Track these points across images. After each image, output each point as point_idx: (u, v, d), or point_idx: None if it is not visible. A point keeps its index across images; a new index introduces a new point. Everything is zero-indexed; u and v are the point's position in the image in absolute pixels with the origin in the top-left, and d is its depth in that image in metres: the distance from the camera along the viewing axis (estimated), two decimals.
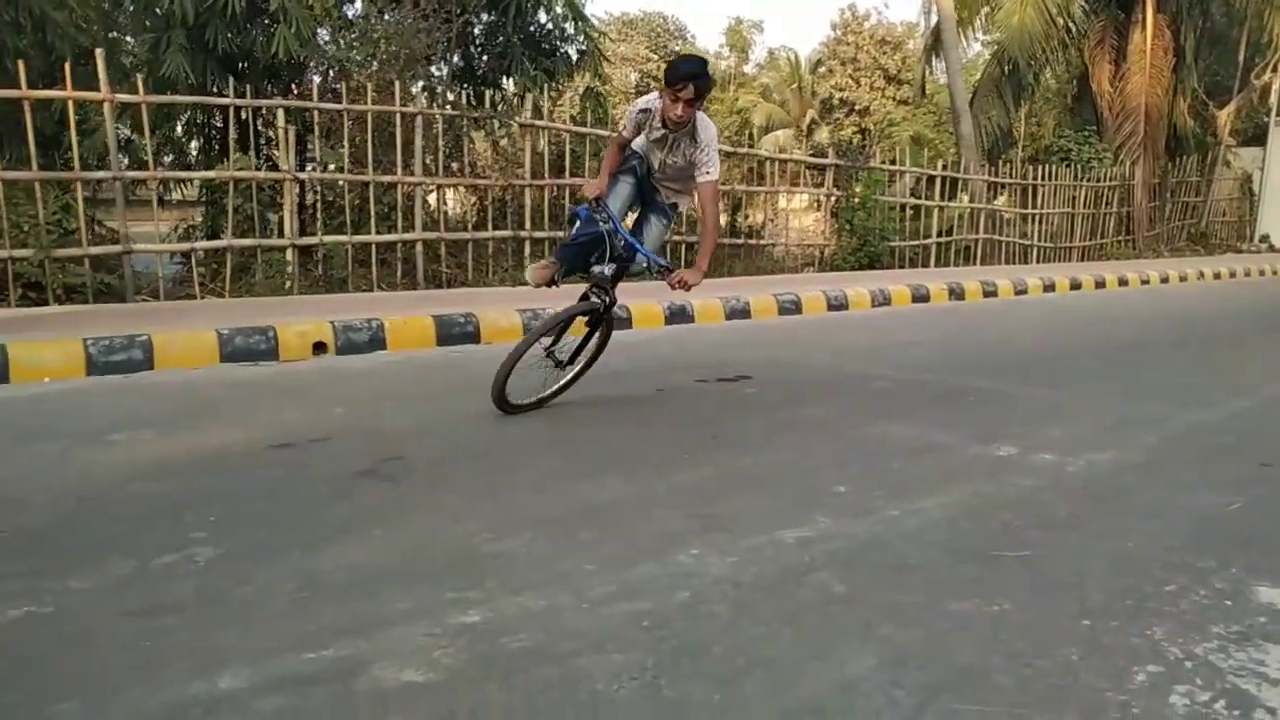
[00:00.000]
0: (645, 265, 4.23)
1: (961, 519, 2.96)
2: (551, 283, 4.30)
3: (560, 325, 4.31)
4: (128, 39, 10.31)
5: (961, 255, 14.52)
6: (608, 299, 4.26)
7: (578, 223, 4.25)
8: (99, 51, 7.04)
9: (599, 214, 4.05)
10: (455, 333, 6.39)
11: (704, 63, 4.08)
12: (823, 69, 42.20)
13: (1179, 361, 6.47)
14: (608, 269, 4.17)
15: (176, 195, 10.19)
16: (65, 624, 2.13)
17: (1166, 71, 17.64)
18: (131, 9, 9.38)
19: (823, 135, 41.09)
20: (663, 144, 4.14)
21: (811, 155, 13.36)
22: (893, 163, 13.88)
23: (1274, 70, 19.93)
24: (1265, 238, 21.14)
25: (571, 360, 4.48)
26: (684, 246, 10.51)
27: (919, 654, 2.06)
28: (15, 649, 2.01)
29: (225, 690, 1.84)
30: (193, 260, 7.68)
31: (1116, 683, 1.95)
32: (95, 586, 2.33)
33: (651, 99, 4.11)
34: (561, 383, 4.46)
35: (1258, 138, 21.83)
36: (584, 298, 4.29)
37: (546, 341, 4.31)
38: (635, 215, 4.45)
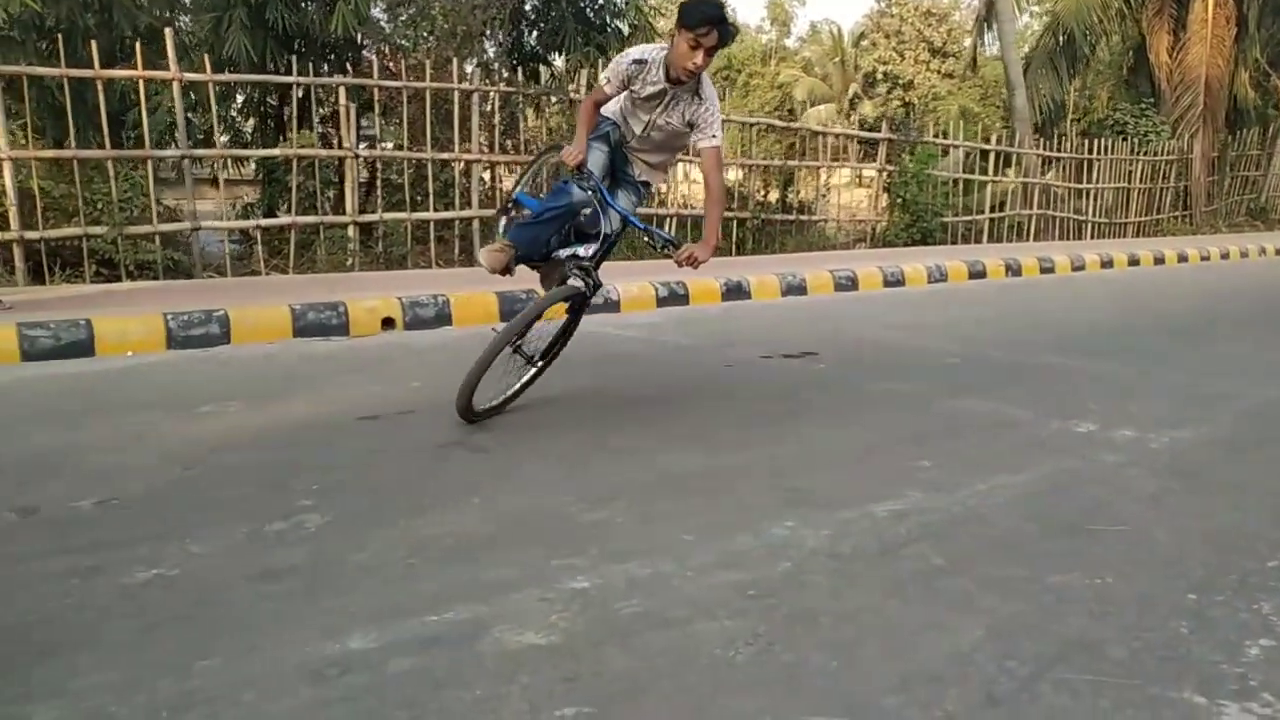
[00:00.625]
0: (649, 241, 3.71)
1: (1050, 494, 2.96)
2: (506, 270, 3.70)
3: (535, 317, 3.68)
4: (183, 19, 10.45)
5: (1014, 231, 14.31)
6: (592, 281, 3.70)
7: (518, 210, 3.87)
8: (168, 31, 7.15)
9: (585, 184, 3.52)
10: (518, 308, 6.44)
11: (724, 6, 3.53)
12: (865, 42, 41.49)
13: (1246, 337, 6.35)
14: (585, 249, 3.68)
15: (228, 174, 10.38)
16: (192, 586, 2.22)
17: (1228, 41, 17.14)
18: None
19: (866, 110, 40.54)
20: (657, 102, 3.59)
21: (865, 130, 13.18)
22: (944, 136, 13.68)
23: None
24: None
25: (543, 355, 3.89)
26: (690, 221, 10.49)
27: (1027, 625, 2.07)
28: (151, 610, 2.10)
29: (357, 650, 1.91)
30: (257, 237, 7.81)
31: (1230, 656, 1.96)
32: (213, 551, 2.42)
33: (649, 50, 3.60)
34: (523, 381, 3.85)
35: None
36: (561, 280, 3.71)
37: (511, 336, 3.67)
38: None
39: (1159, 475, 3.18)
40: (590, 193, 3.54)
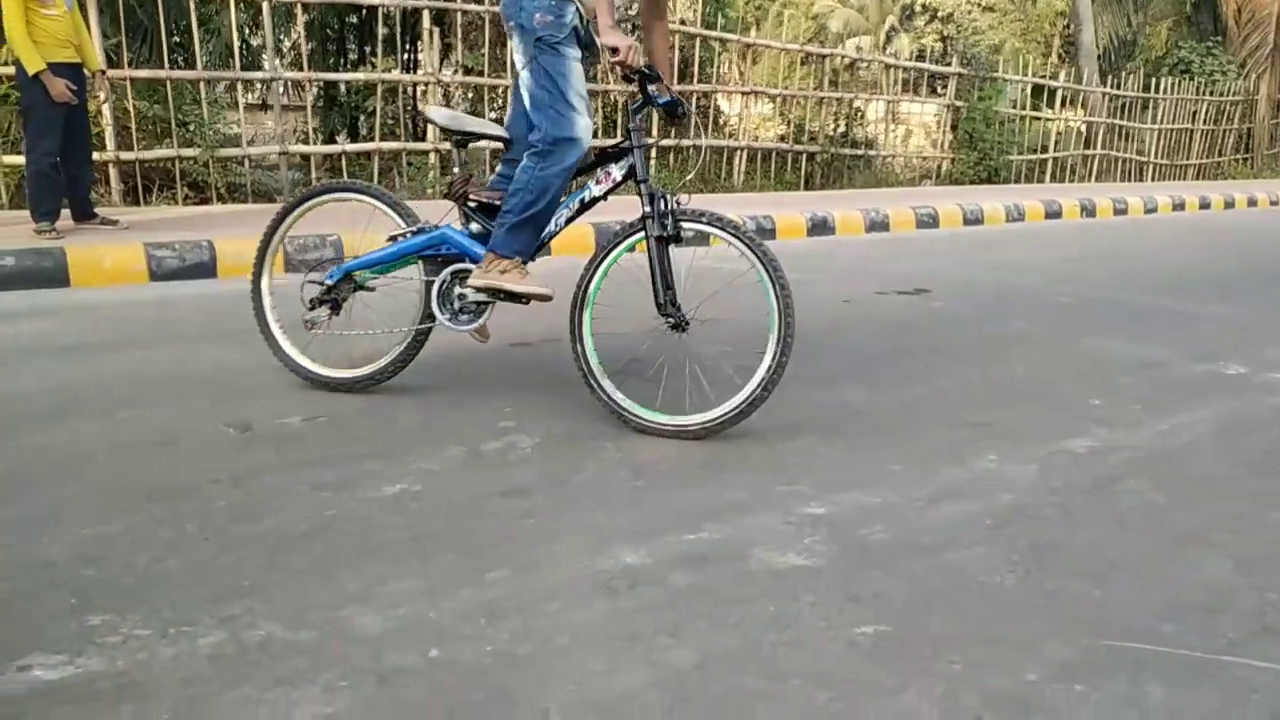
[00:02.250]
0: None
1: (1235, 434, 2.98)
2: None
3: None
4: None
5: (1077, 170, 14.08)
6: (665, 201, 2.84)
7: None
8: None
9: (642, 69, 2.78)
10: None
11: None
12: None
13: None
14: (614, 173, 2.91)
15: (286, 101, 10.31)
16: (442, 501, 2.28)
17: None
18: None
19: (902, 43, 39.60)
20: None
21: (936, 64, 12.90)
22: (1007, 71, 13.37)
23: None
24: None
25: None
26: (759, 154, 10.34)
27: (1270, 560, 2.11)
28: (414, 523, 2.16)
29: (633, 565, 1.97)
30: (344, 162, 7.78)
31: None
32: (444, 469, 2.48)
33: None
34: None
35: None
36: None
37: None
38: None
39: None
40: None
